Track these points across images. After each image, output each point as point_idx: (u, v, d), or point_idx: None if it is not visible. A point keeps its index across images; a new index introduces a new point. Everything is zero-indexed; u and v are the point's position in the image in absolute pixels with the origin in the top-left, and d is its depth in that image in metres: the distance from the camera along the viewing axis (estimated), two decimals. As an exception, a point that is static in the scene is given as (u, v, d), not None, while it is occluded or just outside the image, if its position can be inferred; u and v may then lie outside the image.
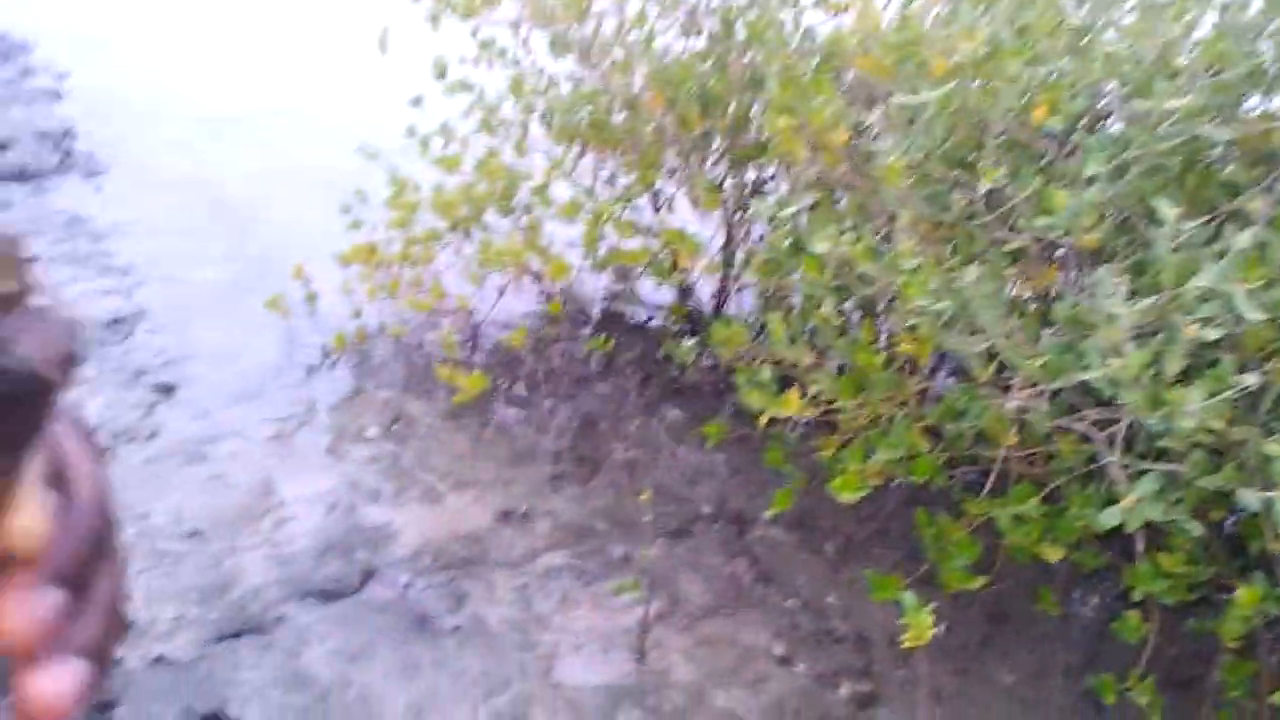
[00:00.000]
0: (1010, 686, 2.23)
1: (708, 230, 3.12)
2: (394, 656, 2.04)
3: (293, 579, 2.25)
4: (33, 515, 0.35)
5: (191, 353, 3.07)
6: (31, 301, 0.32)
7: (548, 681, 2.02)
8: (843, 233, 2.14)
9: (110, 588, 0.39)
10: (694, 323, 3.48)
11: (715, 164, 3.16)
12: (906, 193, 2.00)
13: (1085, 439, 2.01)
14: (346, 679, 2.00)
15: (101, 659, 0.37)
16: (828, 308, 2.20)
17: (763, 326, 3.04)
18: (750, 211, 3.07)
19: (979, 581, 1.91)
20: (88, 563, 0.37)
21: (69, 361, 0.33)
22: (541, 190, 3.03)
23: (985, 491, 2.14)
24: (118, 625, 0.39)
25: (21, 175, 4.14)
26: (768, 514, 2.50)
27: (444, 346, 2.86)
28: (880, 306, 2.45)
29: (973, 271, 1.93)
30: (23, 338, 0.31)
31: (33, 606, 0.35)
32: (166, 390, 2.85)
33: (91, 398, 2.75)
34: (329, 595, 2.23)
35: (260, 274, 3.57)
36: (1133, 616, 1.92)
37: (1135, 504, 1.76)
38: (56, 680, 0.35)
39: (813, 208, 2.41)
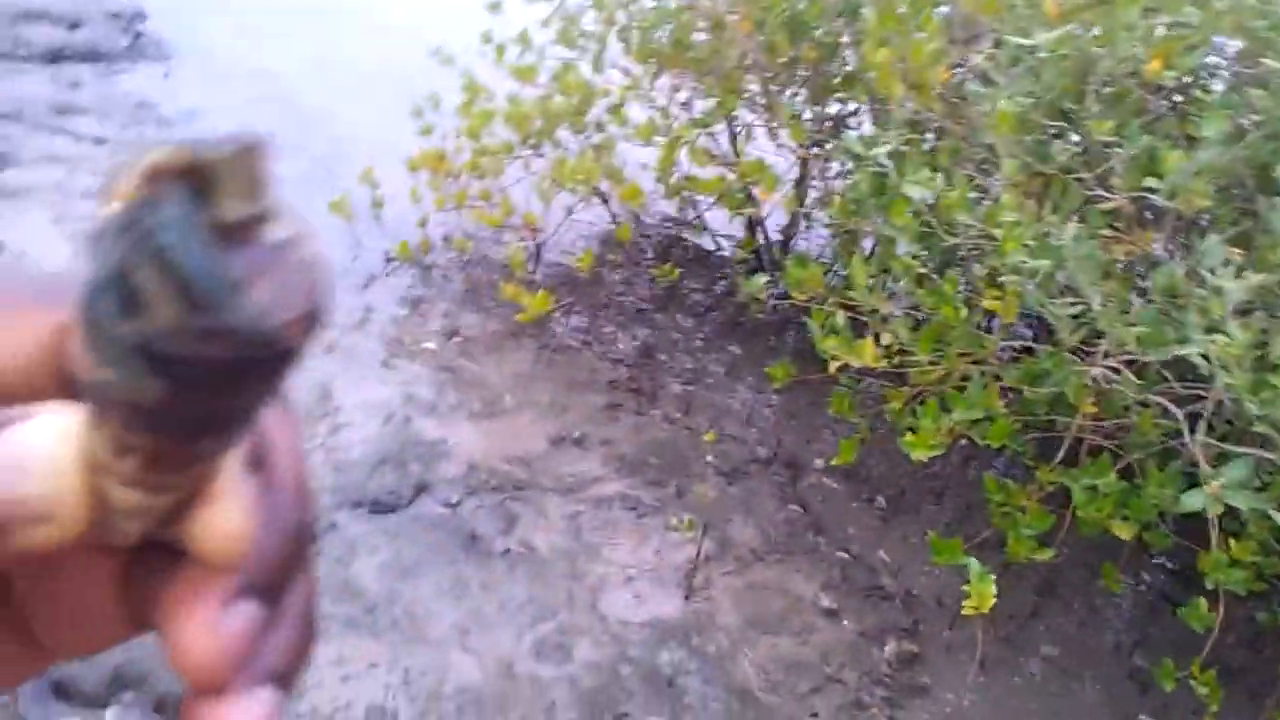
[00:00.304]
0: (1055, 659, 2.18)
1: (781, 163, 3.02)
2: (442, 575, 2.02)
3: (345, 488, 2.24)
4: (234, 512, 0.27)
5: (254, 249, 3.03)
6: (269, 232, 0.25)
7: (594, 613, 1.99)
8: (934, 177, 2.05)
9: (305, 592, 0.31)
10: (760, 258, 3.40)
11: (794, 94, 3.05)
12: (1011, 141, 1.90)
13: (1165, 413, 1.93)
14: (394, 594, 1.98)
15: (291, 683, 0.30)
16: (910, 254, 2.11)
17: (835, 267, 2.96)
18: (830, 147, 2.96)
19: (1048, 553, 1.85)
20: (287, 566, 0.30)
21: (312, 320, 0.25)
22: (617, 110, 2.94)
23: (1057, 460, 2.07)
24: (309, 639, 0.31)
25: (91, 55, 4.10)
26: (831, 462, 2.44)
27: (510, 263, 2.80)
28: (964, 257, 2.36)
29: (1071, 229, 1.83)
30: (257, 285, 0.24)
31: (226, 628, 0.28)
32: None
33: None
34: (380, 507, 2.21)
35: (326, 173, 3.52)
36: (1201, 604, 1.85)
37: (1220, 489, 1.68)
38: (246, 716, 0.28)
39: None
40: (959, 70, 2.40)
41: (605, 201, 3.23)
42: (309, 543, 0.31)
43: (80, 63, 4.03)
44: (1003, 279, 1.95)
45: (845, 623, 2.13)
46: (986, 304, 2.05)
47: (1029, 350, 2.20)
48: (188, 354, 0.23)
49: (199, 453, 0.26)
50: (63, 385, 0.28)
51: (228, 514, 0.27)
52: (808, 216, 3.22)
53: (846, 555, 2.32)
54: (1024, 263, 1.80)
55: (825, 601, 2.17)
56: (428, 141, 3.03)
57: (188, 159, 0.24)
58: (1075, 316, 1.87)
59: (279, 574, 0.29)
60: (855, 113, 3.08)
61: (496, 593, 2.00)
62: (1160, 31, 2.00)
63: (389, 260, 3.08)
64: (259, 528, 0.28)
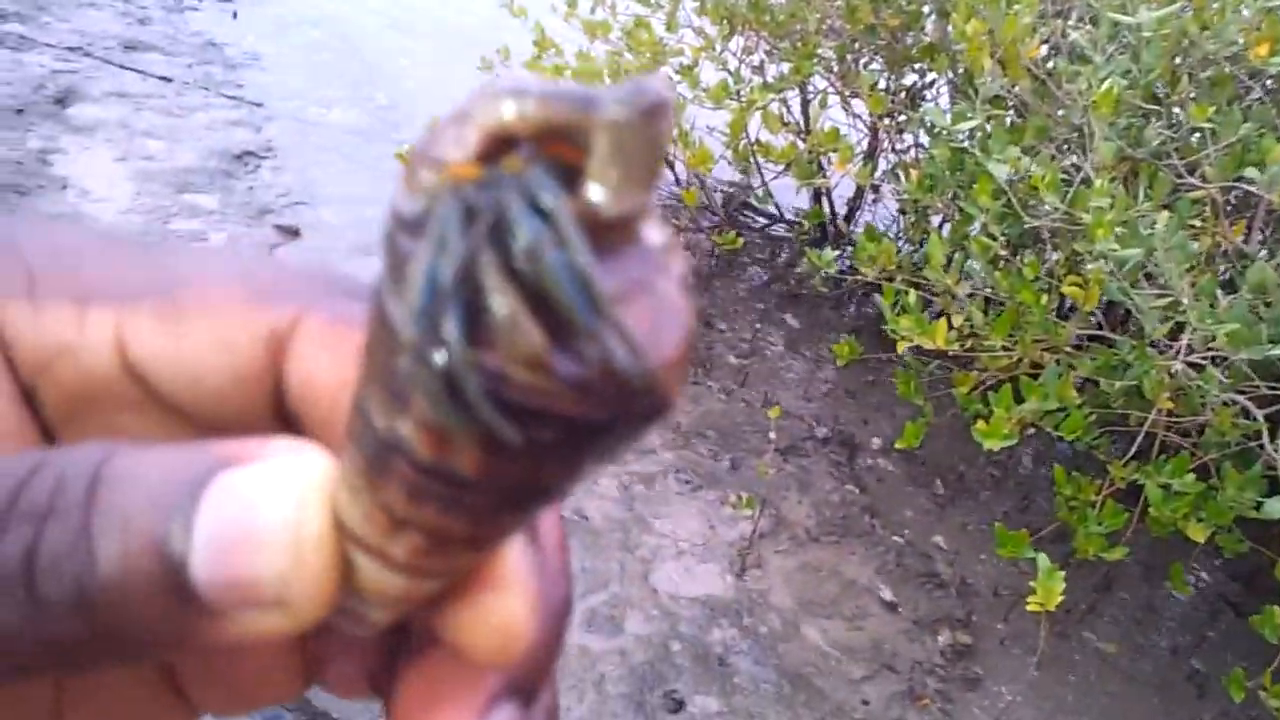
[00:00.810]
0: (1112, 657, 2.12)
1: (851, 134, 2.94)
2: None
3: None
4: (516, 605, 0.21)
5: (315, 196, 3.01)
6: (648, 232, 0.18)
7: (646, 586, 1.97)
8: (1020, 156, 1.97)
9: (554, 688, 0.26)
10: (824, 230, 3.33)
11: (869, 62, 2.96)
12: (1106, 124, 1.82)
13: (1245, 414, 1.86)
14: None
15: None
16: (990, 235, 2.04)
17: (904, 242, 2.88)
18: (903, 118, 2.88)
19: (1120, 552, 1.79)
20: (552, 659, 0.24)
21: (687, 364, 0.18)
22: (689, 70, 2.87)
23: (1129, 456, 2.00)
24: None
25: (161, -9, 4.09)
26: (893, 445, 2.38)
27: (571, 223, 2.75)
28: (1042, 240, 2.29)
29: (1163, 218, 1.75)
30: (634, 309, 0.17)
31: None
32: (292, 233, 2.80)
33: (215, 232, 2.72)
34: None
35: (389, 123, 3.49)
36: (1274, 612, 1.79)
37: (1306, 497, 1.61)
38: None
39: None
40: (1046, 45, 2.31)
41: (671, 166, 3.17)
42: (569, 620, 0.25)
43: (149, -1, 4.03)
44: (1086, 266, 1.88)
45: (899, 609, 2.09)
46: (1066, 290, 1.98)
47: (1099, 339, 2.13)
48: (539, 405, 0.17)
49: (499, 535, 0.20)
50: (279, 409, 0.24)
51: (508, 606, 0.21)
52: (875, 189, 3.14)
53: (902, 540, 2.27)
54: (1113, 250, 1.73)
55: (879, 586, 2.13)
56: (494, 95, 2.98)
57: (561, 117, 0.17)
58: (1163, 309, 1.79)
59: (544, 671, 0.24)
60: (932, 84, 2.99)
61: (548, 559, 1.98)
62: (1270, 13, 1.90)
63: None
64: (538, 616, 0.22)
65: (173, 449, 0.20)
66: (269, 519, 0.19)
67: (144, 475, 0.19)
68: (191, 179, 2.91)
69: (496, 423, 0.17)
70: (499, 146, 0.17)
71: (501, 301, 0.16)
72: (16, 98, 3.02)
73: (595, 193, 0.17)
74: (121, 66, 3.39)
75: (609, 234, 0.17)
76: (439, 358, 0.17)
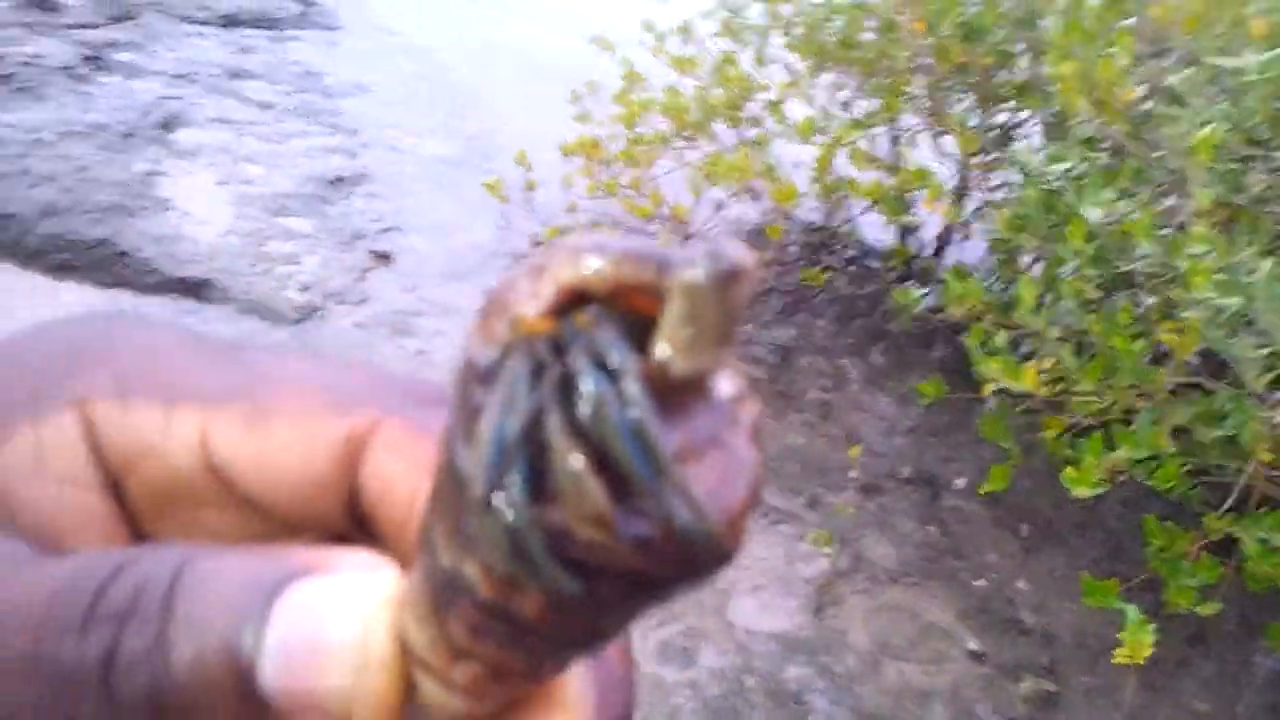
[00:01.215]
0: (1203, 715, 2.05)
1: (941, 171, 2.92)
2: (571, 565, 2.01)
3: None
4: None
5: (407, 223, 3.08)
6: (718, 390, 0.19)
7: (721, 619, 1.96)
8: (1116, 199, 1.94)
9: None
10: (911, 267, 3.30)
11: (959, 100, 2.95)
12: (1205, 169, 1.78)
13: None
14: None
15: None
16: (1082, 278, 2.01)
17: (992, 282, 2.85)
18: (993, 157, 2.85)
19: (1213, 607, 1.73)
20: None
21: (752, 513, 0.19)
22: (776, 106, 2.89)
23: (1224, 508, 1.95)
24: None
25: (265, 22, 4.23)
26: (978, 488, 2.35)
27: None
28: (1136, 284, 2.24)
29: (1265, 266, 1.71)
30: (701, 467, 0.18)
31: None
32: (384, 258, 2.87)
33: (308, 255, 2.79)
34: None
35: (481, 153, 3.56)
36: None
37: None
38: None
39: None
40: (1142, 87, 2.28)
41: (756, 198, 3.18)
42: None
43: (253, 28, 4.16)
44: (1183, 313, 1.84)
45: (980, 655, 2.05)
46: (1162, 337, 1.93)
47: (1194, 386, 2.07)
48: (601, 563, 0.17)
49: (557, 668, 0.21)
50: (355, 511, 0.25)
51: None
52: (965, 228, 3.11)
53: (985, 584, 2.23)
54: (1210, 298, 1.69)
55: (960, 631, 2.09)
56: (583, 128, 3.03)
57: (637, 277, 0.17)
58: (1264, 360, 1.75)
59: None
60: (1022, 124, 2.96)
61: (625, 589, 1.98)
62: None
63: (536, 244, 3.09)
64: None
65: (248, 556, 0.21)
66: (337, 635, 0.20)
67: (220, 581, 0.20)
68: (288, 203, 2.99)
69: (559, 578, 0.17)
70: (573, 301, 0.18)
71: (566, 461, 0.17)
72: (125, 123, 3.14)
73: (665, 352, 0.17)
74: (225, 94, 3.51)
75: (679, 391, 0.18)
76: (505, 514, 0.17)
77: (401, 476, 0.24)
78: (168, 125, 3.21)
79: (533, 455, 0.17)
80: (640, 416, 0.16)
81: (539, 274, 0.18)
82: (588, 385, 0.17)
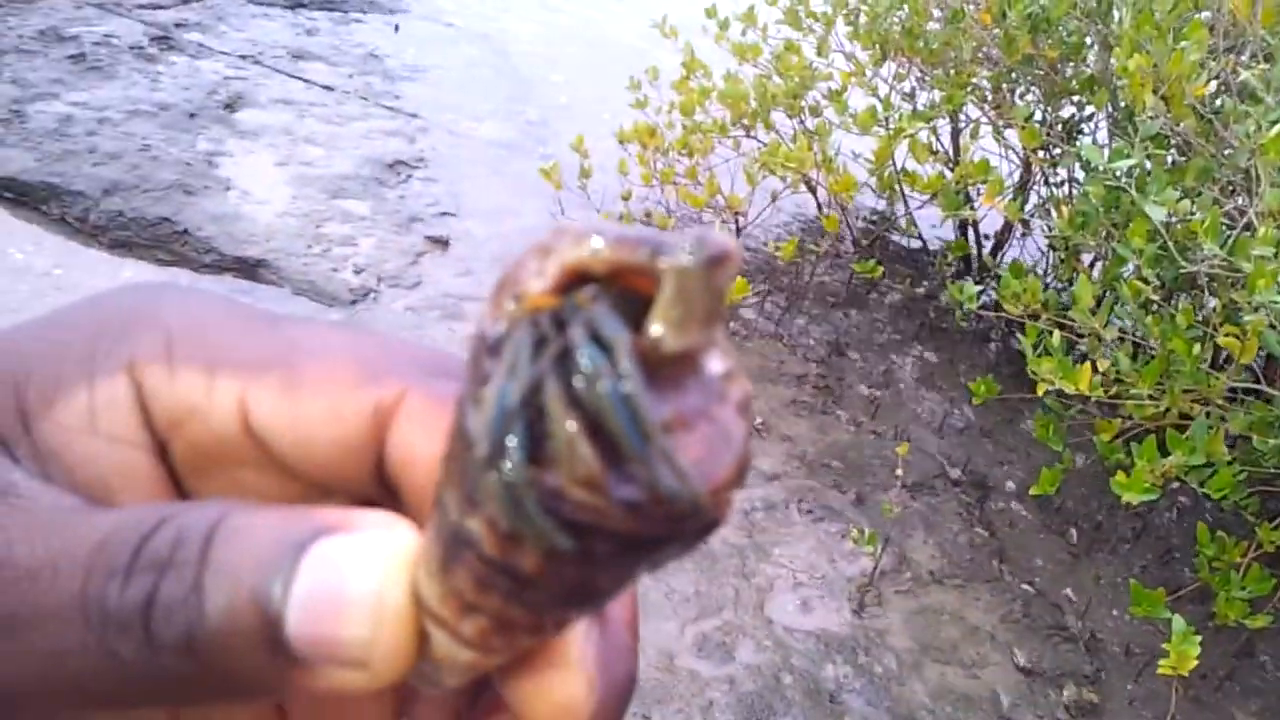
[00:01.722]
0: (1253, 729, 2.00)
1: (1002, 165, 2.86)
2: (610, 554, 2.01)
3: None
4: (576, 684, 0.23)
5: (463, 207, 3.10)
6: (708, 363, 0.20)
7: (761, 615, 1.95)
8: (1180, 198, 1.88)
9: None
10: (969, 263, 3.25)
11: (1025, 94, 2.88)
12: (1275, 169, 1.72)
13: None
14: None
15: None
16: (1142, 278, 1.95)
17: (1051, 280, 2.79)
18: (1058, 153, 2.78)
19: (1262, 620, 1.68)
20: None
21: (742, 480, 0.20)
22: (838, 95, 2.85)
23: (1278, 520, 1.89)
24: None
25: (329, 4, 4.27)
26: (1028, 490, 2.30)
27: (708, 245, 2.74)
28: (1198, 286, 2.18)
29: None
30: (689, 436, 0.19)
31: None
32: (443, 244, 2.88)
33: (364, 237, 2.81)
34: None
35: (537, 138, 3.57)
36: None
37: None
38: None
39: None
40: (1213, 83, 2.21)
41: (813, 190, 3.15)
42: (633, 692, 0.27)
43: (318, 10, 4.20)
44: (1245, 316, 1.78)
45: (1022, 660, 2.01)
46: (1222, 340, 1.88)
47: (1253, 392, 2.01)
48: (593, 522, 0.18)
49: (559, 624, 0.22)
50: (381, 475, 0.26)
51: (568, 684, 0.23)
52: (1025, 224, 3.05)
53: (1030, 589, 2.19)
54: (1274, 302, 1.63)
55: (1002, 635, 2.06)
56: (640, 115, 3.02)
57: (632, 259, 0.19)
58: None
59: None
60: (1090, 118, 2.89)
61: (663, 582, 1.97)
62: None
63: (589, 230, 3.08)
64: (597, 693, 0.24)
65: (280, 512, 0.23)
66: (357, 588, 0.22)
67: (252, 536, 0.22)
68: (346, 185, 3.02)
69: (553, 534, 0.18)
70: (575, 280, 0.19)
71: (561, 426, 0.18)
72: (191, 102, 3.20)
73: (657, 330, 0.19)
74: (288, 75, 3.55)
75: (671, 366, 0.19)
76: (504, 473, 0.18)
77: (424, 445, 0.25)
78: (231, 105, 3.26)
79: (533, 421, 0.18)
80: (631, 388, 0.18)
81: (545, 255, 0.20)
82: (584, 358, 0.18)
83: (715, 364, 0.20)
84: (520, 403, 0.18)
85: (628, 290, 0.19)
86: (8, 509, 0.23)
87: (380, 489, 0.27)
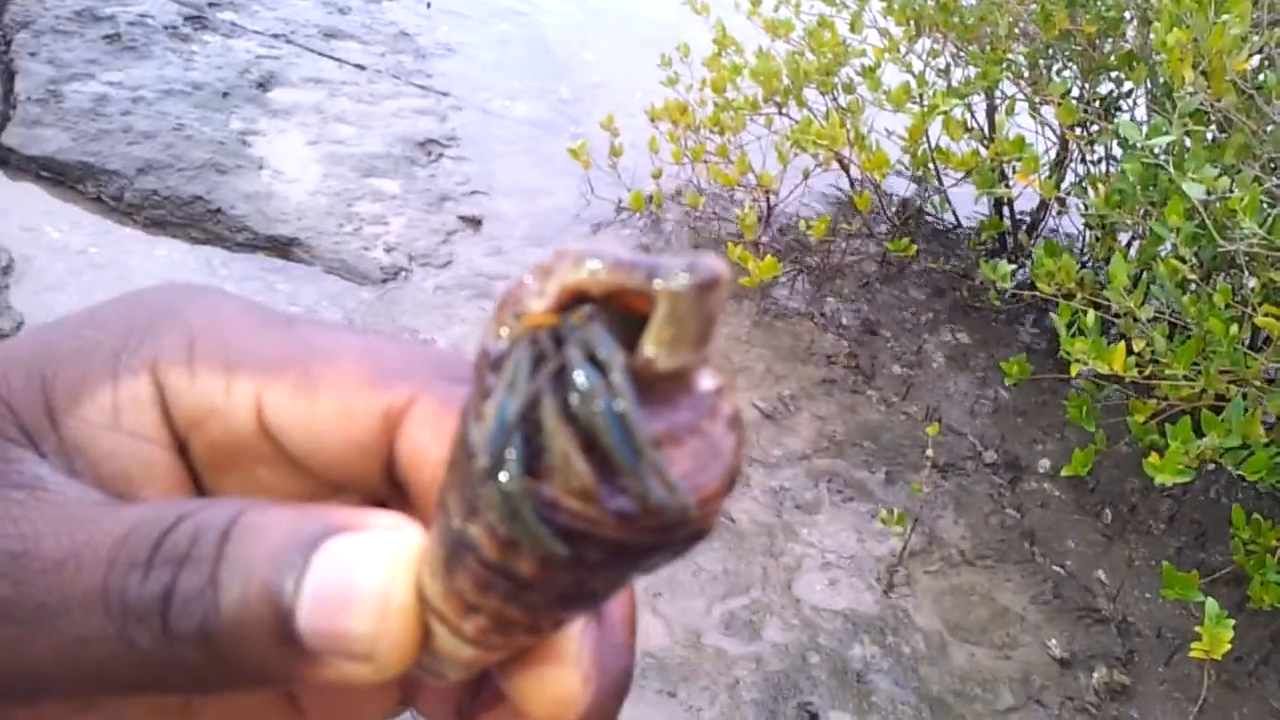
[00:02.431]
0: (1288, 714, 1.98)
1: (1039, 143, 2.82)
2: (638, 533, 2.01)
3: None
4: (571, 680, 0.25)
5: (494, 186, 3.10)
6: (699, 381, 0.21)
7: (789, 594, 1.95)
8: (1219, 175, 1.85)
9: None
10: (1003, 242, 3.21)
11: (1062, 70, 2.84)
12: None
13: None
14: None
15: None
16: (1179, 257, 1.92)
17: (1087, 259, 2.75)
18: (1095, 129, 2.74)
19: (1297, 606, 1.66)
20: None
21: (730, 489, 0.21)
22: (871, 71, 2.82)
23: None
24: None
25: (362, -18, 4.27)
26: (1060, 471, 2.28)
27: (741, 225, 2.74)
28: (1237, 265, 2.14)
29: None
30: (680, 451, 0.20)
31: None
32: (475, 223, 2.89)
33: (395, 216, 2.82)
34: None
35: (569, 117, 3.56)
36: None
37: None
38: None
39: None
40: (1258, 56, 2.16)
41: (845, 168, 3.12)
42: (628, 688, 0.28)
43: (351, -12, 4.21)
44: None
45: (1052, 642, 2.00)
46: (1259, 320, 1.84)
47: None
48: (586, 530, 0.20)
49: (556, 624, 0.23)
50: (391, 475, 0.27)
51: (564, 680, 0.25)
52: (1061, 202, 3.01)
53: (1062, 570, 2.17)
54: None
55: (1033, 616, 2.05)
56: (671, 93, 3.00)
57: (628, 282, 0.20)
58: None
59: None
60: (1128, 94, 2.84)
61: (691, 559, 1.97)
62: None
63: (620, 209, 3.08)
64: (592, 688, 0.25)
65: (293, 510, 0.24)
66: (365, 585, 0.23)
67: (267, 533, 0.23)
68: (377, 164, 3.03)
69: (549, 541, 0.20)
70: (574, 300, 0.20)
71: (557, 440, 0.19)
72: (224, 81, 3.22)
73: (651, 349, 0.20)
74: (320, 54, 3.56)
75: (664, 384, 0.20)
76: (503, 484, 0.20)
77: (432, 448, 0.26)
78: (264, 85, 3.27)
79: (531, 434, 0.20)
80: (624, 406, 0.19)
81: (546, 275, 0.21)
82: (579, 376, 0.19)
83: (707, 381, 0.21)
84: (519, 417, 0.20)
85: (624, 310, 0.20)
86: (35, 503, 0.24)
87: (390, 488, 0.28)
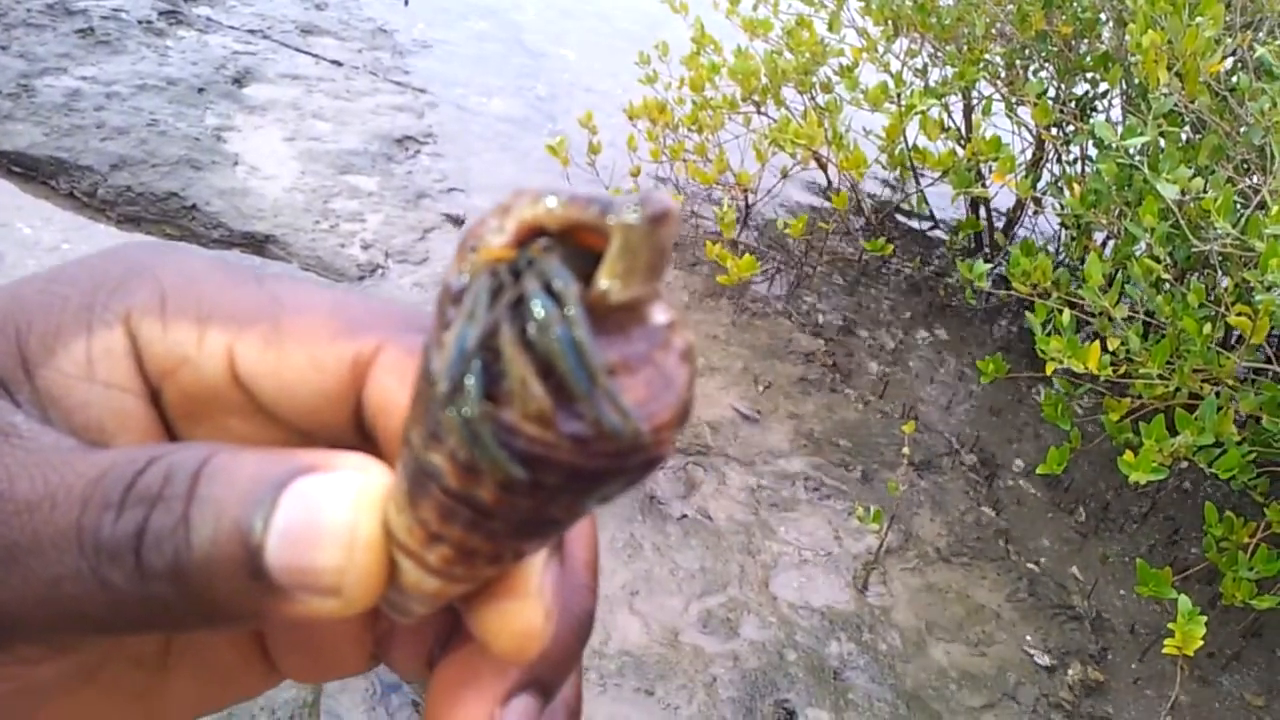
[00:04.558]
0: (1258, 710, 2.00)
1: (1014, 143, 2.84)
2: (619, 532, 2.01)
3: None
4: (534, 612, 0.25)
5: (470, 183, 3.09)
6: (652, 313, 0.22)
7: (766, 592, 1.95)
8: (1193, 176, 1.87)
9: (576, 684, 0.30)
10: (980, 241, 3.23)
11: (1038, 70, 2.86)
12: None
13: None
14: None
15: None
16: (1154, 257, 1.94)
17: (1063, 258, 2.77)
18: (1071, 130, 2.76)
19: (1270, 600, 1.68)
20: (572, 660, 0.28)
21: (684, 421, 0.22)
22: (849, 71, 2.82)
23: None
24: None
25: (339, -23, 4.24)
26: (1035, 469, 2.30)
27: (719, 223, 2.74)
28: (1210, 265, 2.16)
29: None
30: (633, 379, 0.21)
31: None
32: (457, 222, 2.87)
33: (372, 213, 2.81)
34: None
35: (546, 114, 3.55)
36: None
37: None
38: None
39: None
40: (1231, 59, 2.18)
41: (823, 167, 3.13)
42: (591, 629, 0.29)
43: (328, -16, 4.18)
44: (1257, 296, 1.77)
45: (1027, 639, 2.01)
46: (1233, 320, 1.86)
47: (1263, 372, 2.00)
48: (543, 454, 0.20)
49: (518, 553, 0.24)
50: (359, 422, 0.28)
51: (526, 613, 0.25)
52: (1037, 202, 3.03)
53: (1036, 568, 2.19)
54: (1287, 282, 1.62)
55: (1008, 613, 2.06)
56: (650, 91, 3.00)
57: (582, 217, 0.21)
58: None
59: (563, 670, 0.28)
60: (1104, 95, 2.86)
61: (669, 558, 1.97)
62: None
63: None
64: (554, 624, 0.26)
65: (263, 453, 0.24)
66: (332, 521, 0.23)
67: (237, 473, 0.24)
68: (354, 161, 3.01)
69: (508, 465, 0.20)
70: (532, 236, 0.21)
71: (515, 366, 0.20)
72: (200, 77, 3.19)
73: (605, 281, 0.20)
74: (297, 50, 3.54)
75: (618, 316, 0.21)
76: (462, 409, 0.20)
77: (398, 394, 0.27)
78: (240, 80, 3.25)
79: (489, 362, 0.20)
80: (578, 334, 0.20)
81: (505, 213, 0.22)
82: (536, 305, 0.20)
83: (660, 315, 0.22)
84: (478, 345, 0.20)
85: (580, 247, 0.21)
86: (10, 447, 0.25)
87: (358, 435, 0.28)
